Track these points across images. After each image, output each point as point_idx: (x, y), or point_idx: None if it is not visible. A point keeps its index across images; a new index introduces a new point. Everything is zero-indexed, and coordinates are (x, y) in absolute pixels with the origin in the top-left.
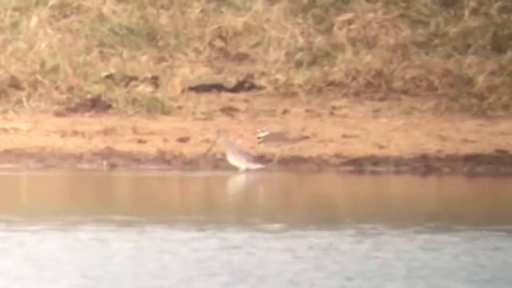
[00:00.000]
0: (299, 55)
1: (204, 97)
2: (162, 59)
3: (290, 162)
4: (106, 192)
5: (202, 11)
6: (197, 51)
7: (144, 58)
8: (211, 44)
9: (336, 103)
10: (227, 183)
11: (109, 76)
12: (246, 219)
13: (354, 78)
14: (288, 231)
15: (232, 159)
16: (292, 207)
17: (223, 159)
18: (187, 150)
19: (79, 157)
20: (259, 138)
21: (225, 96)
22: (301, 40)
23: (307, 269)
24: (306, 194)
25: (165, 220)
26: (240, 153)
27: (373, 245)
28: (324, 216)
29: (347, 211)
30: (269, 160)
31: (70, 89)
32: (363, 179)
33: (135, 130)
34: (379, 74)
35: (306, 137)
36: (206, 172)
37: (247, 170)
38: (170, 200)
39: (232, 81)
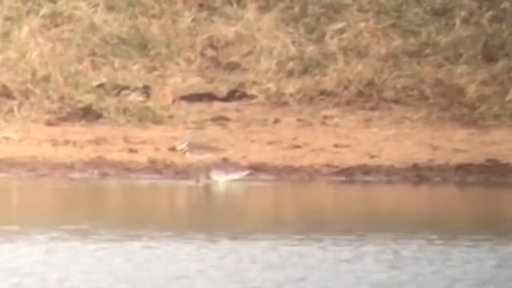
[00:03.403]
0: (290, 64)
1: (195, 107)
2: (153, 69)
3: (282, 172)
4: (96, 202)
5: (193, 20)
6: (188, 61)
7: (135, 67)
8: (202, 54)
9: (328, 112)
10: (217, 193)
11: (101, 85)
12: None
13: (345, 88)
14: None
15: (214, 176)
16: (282, 217)
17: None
18: (179, 159)
19: (70, 167)
20: (181, 150)
21: (217, 105)
22: (292, 49)
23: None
24: (296, 204)
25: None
26: (219, 169)
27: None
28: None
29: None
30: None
31: (61, 98)
32: (354, 189)
33: (126, 139)
34: (370, 83)
35: (221, 149)
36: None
37: (232, 181)
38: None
39: (223, 90)
